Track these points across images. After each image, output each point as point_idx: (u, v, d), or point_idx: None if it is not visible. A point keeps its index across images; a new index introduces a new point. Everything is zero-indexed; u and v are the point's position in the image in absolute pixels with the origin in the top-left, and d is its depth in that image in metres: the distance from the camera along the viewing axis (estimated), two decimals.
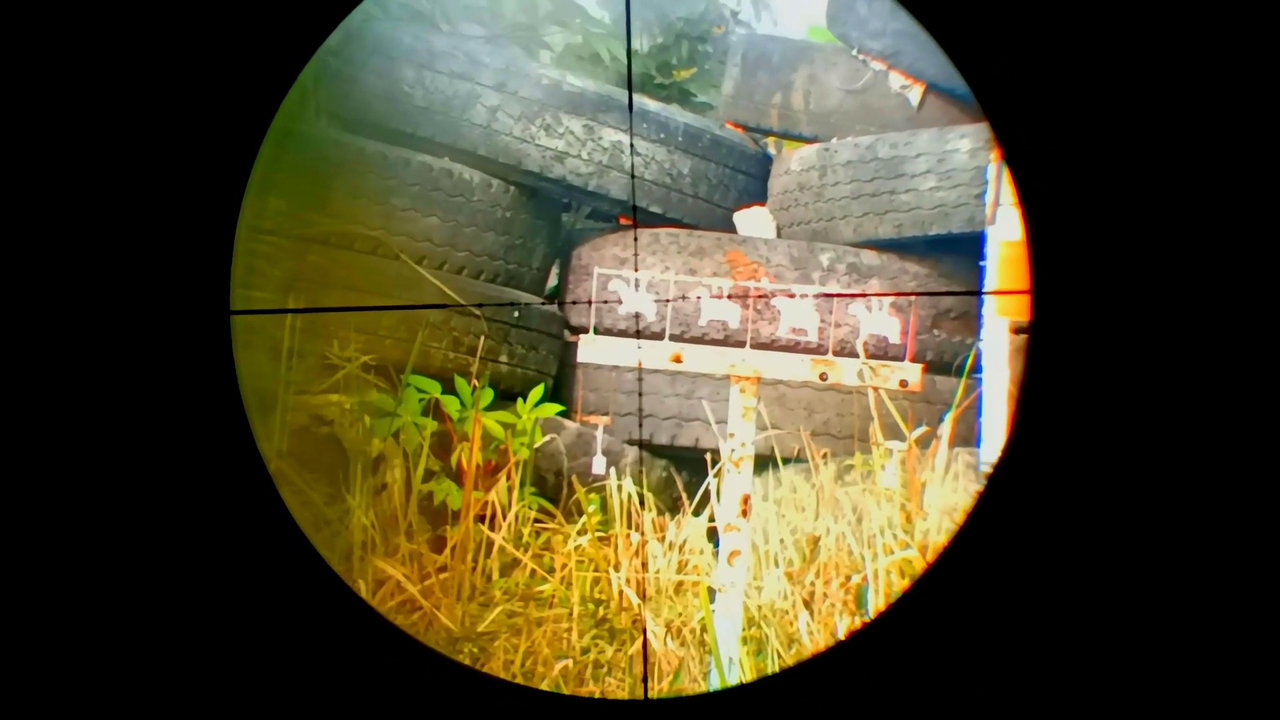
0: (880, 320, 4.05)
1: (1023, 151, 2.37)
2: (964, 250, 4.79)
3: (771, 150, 5.97)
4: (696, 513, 4.36)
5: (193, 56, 2.40)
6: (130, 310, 2.41)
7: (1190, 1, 2.29)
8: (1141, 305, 2.32)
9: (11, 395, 2.39)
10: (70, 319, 2.40)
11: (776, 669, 3.65)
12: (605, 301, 4.45)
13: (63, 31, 2.38)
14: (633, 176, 5.20)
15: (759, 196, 5.54)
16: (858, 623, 3.69)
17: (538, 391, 4.58)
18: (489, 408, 4.38)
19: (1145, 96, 2.31)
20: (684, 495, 4.51)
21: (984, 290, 4.20)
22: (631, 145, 5.21)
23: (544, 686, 3.53)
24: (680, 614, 3.90)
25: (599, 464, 4.03)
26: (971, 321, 4.91)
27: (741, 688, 3.18)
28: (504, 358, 4.80)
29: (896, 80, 5.51)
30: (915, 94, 5.47)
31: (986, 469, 3.75)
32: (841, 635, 3.66)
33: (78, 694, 2.43)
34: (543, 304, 5.13)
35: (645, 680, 3.60)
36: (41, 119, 2.38)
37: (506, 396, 4.61)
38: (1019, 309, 3.96)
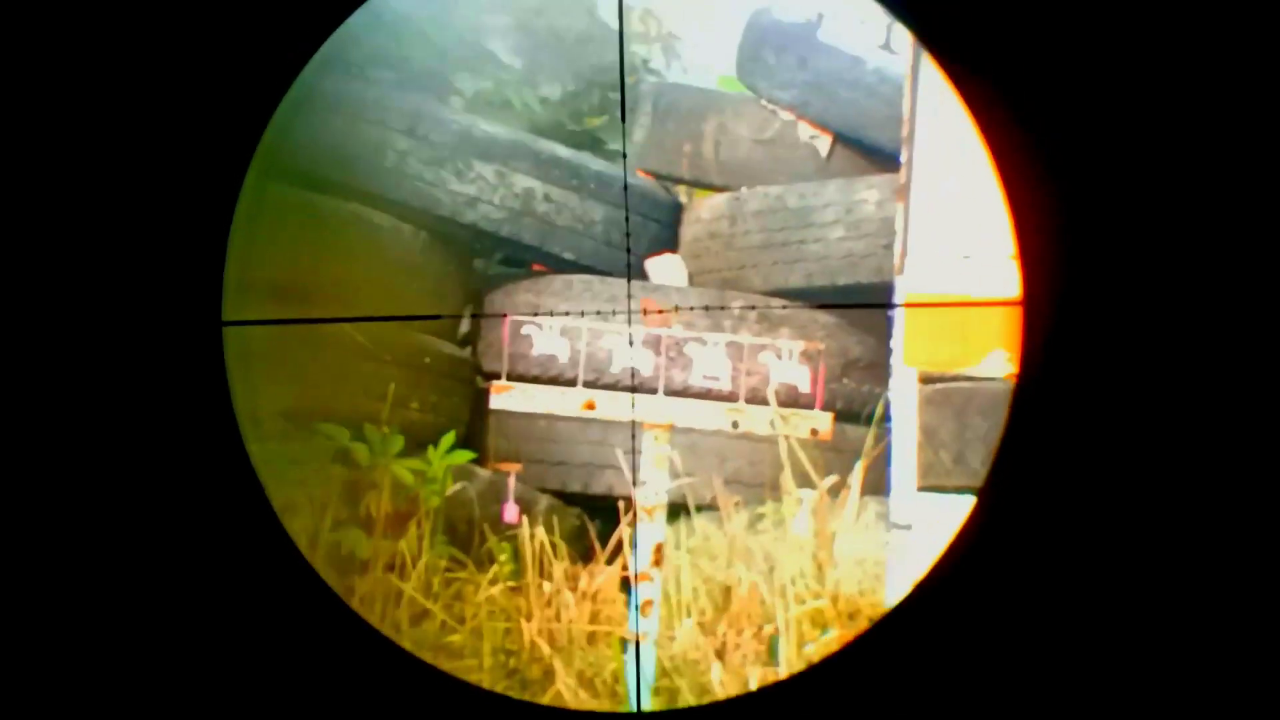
0: (790, 369, 4.09)
1: (1014, 159, 2.39)
2: (873, 300, 4.85)
3: (683, 198, 6.00)
4: (609, 561, 4.34)
5: (187, 60, 2.40)
6: (121, 321, 2.39)
7: (1184, 12, 2.32)
8: (1134, 314, 2.34)
9: (2, 407, 2.35)
10: (60, 329, 2.38)
11: None
12: (516, 348, 4.45)
13: (57, 38, 2.36)
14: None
15: (670, 244, 5.56)
16: (779, 672, 3.69)
17: (449, 438, 4.54)
18: (399, 455, 4.33)
19: (1145, 94, 2.33)
20: (597, 544, 4.49)
21: (893, 340, 4.24)
22: (544, 192, 5.22)
23: None
24: (592, 664, 3.87)
25: (511, 512, 4.01)
26: (881, 371, 4.96)
27: (737, 699, 3.15)
28: (414, 404, 4.75)
29: (805, 130, 5.57)
30: (824, 144, 5.53)
31: (902, 519, 3.78)
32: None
33: (67, 703, 2.39)
34: (453, 350, 5.10)
35: (638, 692, 3.57)
36: (31, 127, 2.37)
37: (417, 443, 4.57)
38: (928, 358, 4.01)
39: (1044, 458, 2.40)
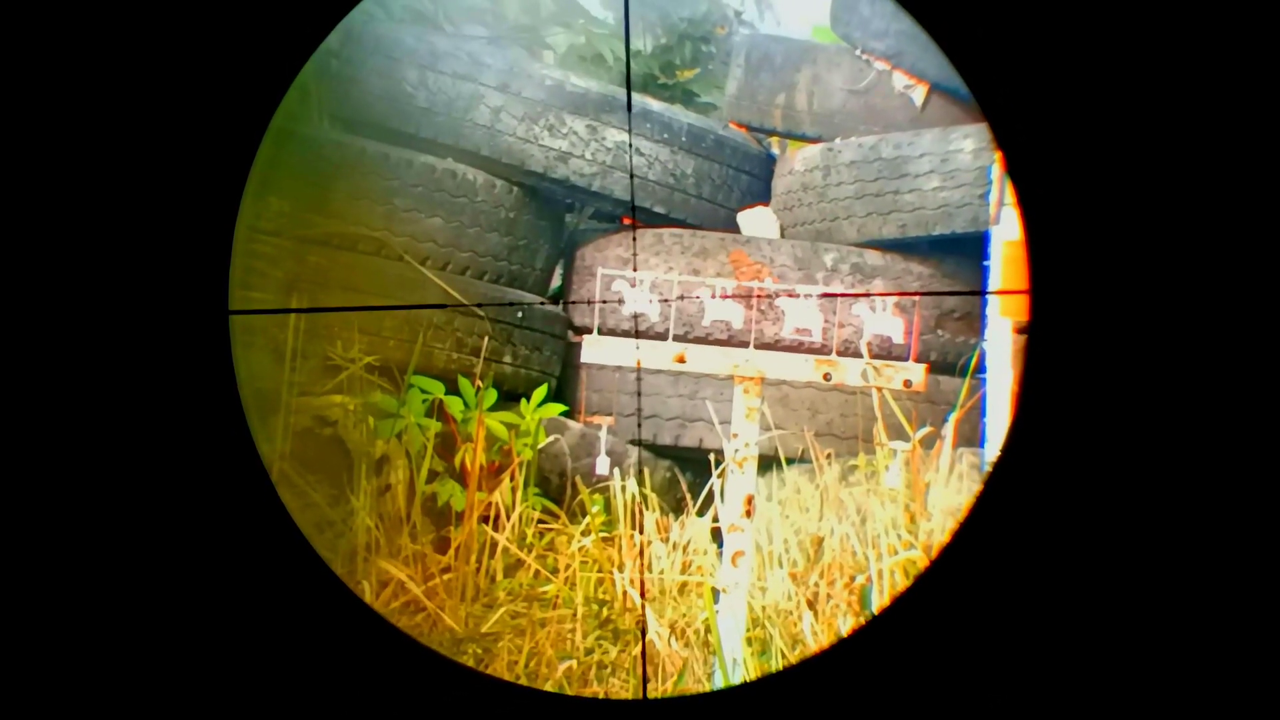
0: (884, 320, 4.04)
1: (1022, 152, 2.36)
2: (968, 250, 4.79)
3: (775, 150, 5.97)
4: (700, 513, 4.35)
5: (190, 56, 2.40)
6: (129, 310, 2.41)
7: (1188, 2, 2.29)
8: (1140, 304, 2.32)
9: (10, 397, 2.39)
10: (68, 319, 2.40)
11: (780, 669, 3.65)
12: (608, 302, 4.45)
13: (60, 32, 2.38)
14: (632, 177, 5.19)
15: (762, 197, 5.53)
16: (859, 622, 3.68)
17: (541, 392, 4.58)
18: (493, 408, 4.37)
19: (1143, 96, 2.30)
20: (688, 496, 4.50)
21: (987, 290, 4.20)
22: (630, 144, 5.21)
23: (548, 687, 3.52)
24: (684, 615, 3.89)
25: (603, 464, 4.03)
26: (975, 322, 4.91)
27: (740, 688, 3.17)
28: (507, 358, 4.79)
29: (900, 80, 5.50)
30: (919, 94, 5.46)
31: (987, 469, 3.74)
32: (843, 634, 3.65)
33: (79, 697, 2.43)
34: (546, 304, 5.12)
35: (644, 680, 3.59)
36: (39, 120, 2.38)
37: (510, 397, 4.61)
38: (1023, 309, 3.96)
39: (1058, 416, 2.38)
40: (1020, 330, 3.97)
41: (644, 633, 3.73)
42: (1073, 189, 2.33)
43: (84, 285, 2.40)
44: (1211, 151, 2.29)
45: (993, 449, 3.91)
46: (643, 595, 3.91)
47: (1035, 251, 2.37)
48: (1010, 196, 2.44)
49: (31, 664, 2.42)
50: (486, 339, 4.67)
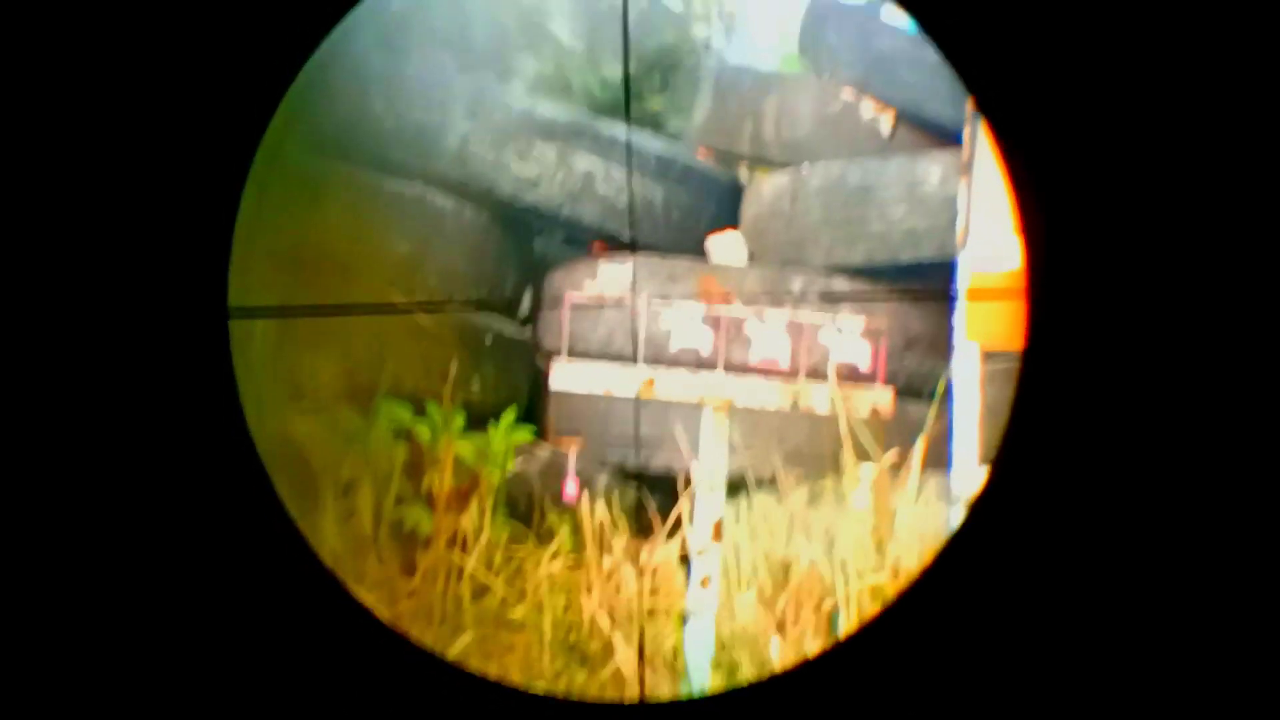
0: (851, 346, 4.06)
1: (1026, 170, 2.38)
2: (935, 277, 4.81)
3: (743, 177, 5.99)
4: (669, 537, 4.34)
5: (190, 55, 2.40)
6: (127, 311, 2.40)
7: (1191, 12, 2.31)
8: (1138, 320, 2.33)
9: (6, 397, 2.38)
10: (67, 320, 2.39)
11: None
12: (578, 327, 4.46)
13: (57, 30, 2.38)
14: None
15: (730, 223, 5.55)
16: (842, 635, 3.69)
17: (509, 415, 4.57)
18: (461, 432, 4.36)
19: (1146, 108, 2.32)
20: (656, 519, 4.50)
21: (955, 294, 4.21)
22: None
23: None
24: (652, 639, 3.88)
25: (571, 488, 4.02)
26: (942, 347, 4.93)
27: (737, 691, 3.16)
28: (476, 383, 4.79)
29: (867, 108, 5.54)
30: (886, 121, 5.50)
31: (964, 494, 3.76)
32: (840, 636, 3.66)
33: (70, 698, 2.42)
34: (517, 328, 5.13)
35: (641, 683, 3.58)
36: (35, 119, 2.38)
37: (478, 421, 4.60)
38: (990, 335, 3.99)
39: (1053, 428, 2.39)
40: (988, 357, 3.99)
41: (641, 634, 3.72)
42: (1075, 212, 2.35)
43: (82, 288, 2.39)
44: (1209, 165, 2.31)
45: (960, 473, 3.92)
46: (611, 619, 3.90)
47: (1034, 266, 2.38)
48: (1012, 224, 2.45)
49: (28, 666, 2.41)
50: (455, 363, 4.66)
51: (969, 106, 4.14)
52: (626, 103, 5.69)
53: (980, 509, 2.49)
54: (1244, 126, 2.29)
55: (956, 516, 3.74)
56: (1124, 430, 2.34)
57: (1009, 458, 2.45)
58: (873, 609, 3.71)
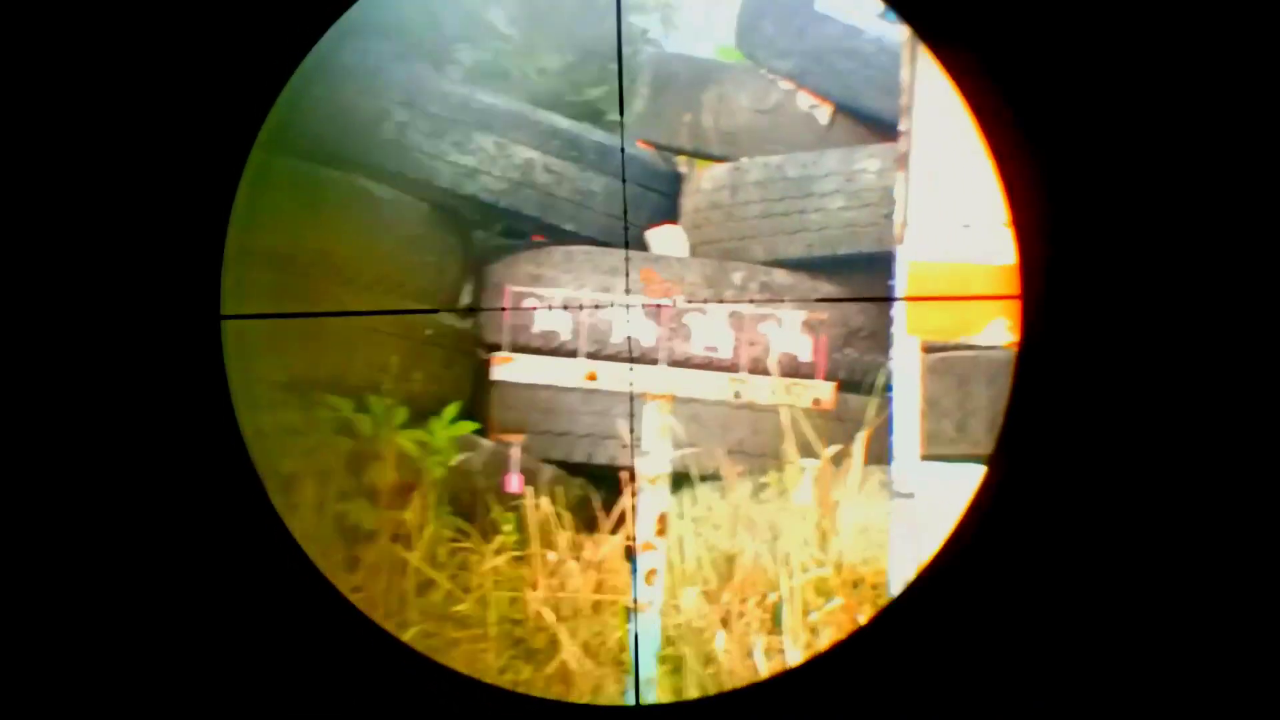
0: (792, 339, 4.09)
1: (1019, 160, 2.40)
2: (874, 269, 4.85)
3: (683, 169, 5.99)
4: (613, 531, 4.35)
5: (182, 59, 2.39)
6: (120, 315, 2.39)
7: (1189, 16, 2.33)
8: (1130, 316, 2.35)
9: (2, 400, 2.36)
10: (60, 324, 2.38)
11: (694, 688, 3.66)
12: (519, 320, 4.45)
13: (54, 36, 2.36)
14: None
15: (671, 215, 5.55)
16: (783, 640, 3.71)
17: (452, 409, 4.55)
18: (403, 426, 4.34)
19: (1145, 108, 2.34)
20: (601, 514, 4.50)
21: (894, 298, 4.24)
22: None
23: None
24: (598, 633, 3.89)
25: (514, 482, 4.02)
26: (883, 340, 4.96)
27: (734, 693, 3.17)
28: (418, 375, 4.75)
29: (805, 100, 5.55)
30: (824, 114, 5.52)
31: (905, 488, 3.80)
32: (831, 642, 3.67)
33: (65, 702, 2.41)
34: (458, 319, 5.10)
35: (636, 685, 3.59)
36: (31, 122, 2.36)
37: (421, 415, 4.57)
38: (930, 327, 4.02)
39: (1048, 425, 2.41)
40: (927, 349, 4.03)
41: (637, 639, 3.73)
42: (1054, 165, 2.37)
43: (76, 291, 2.38)
44: (1203, 128, 2.33)
45: (902, 466, 3.96)
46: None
47: (1021, 230, 2.40)
48: (1002, 216, 2.46)
49: (20, 663, 2.40)
50: (395, 356, 4.63)
51: (903, 99, 4.16)
52: (620, 106, 5.68)
53: (978, 509, 2.50)
54: (1246, 126, 2.31)
55: (899, 510, 3.77)
56: (1120, 427, 2.36)
57: (1005, 456, 2.47)
58: (817, 603, 3.74)
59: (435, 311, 4.80)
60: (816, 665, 2.76)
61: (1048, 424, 2.39)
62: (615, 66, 6.60)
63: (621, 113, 5.76)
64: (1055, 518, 2.39)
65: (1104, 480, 2.37)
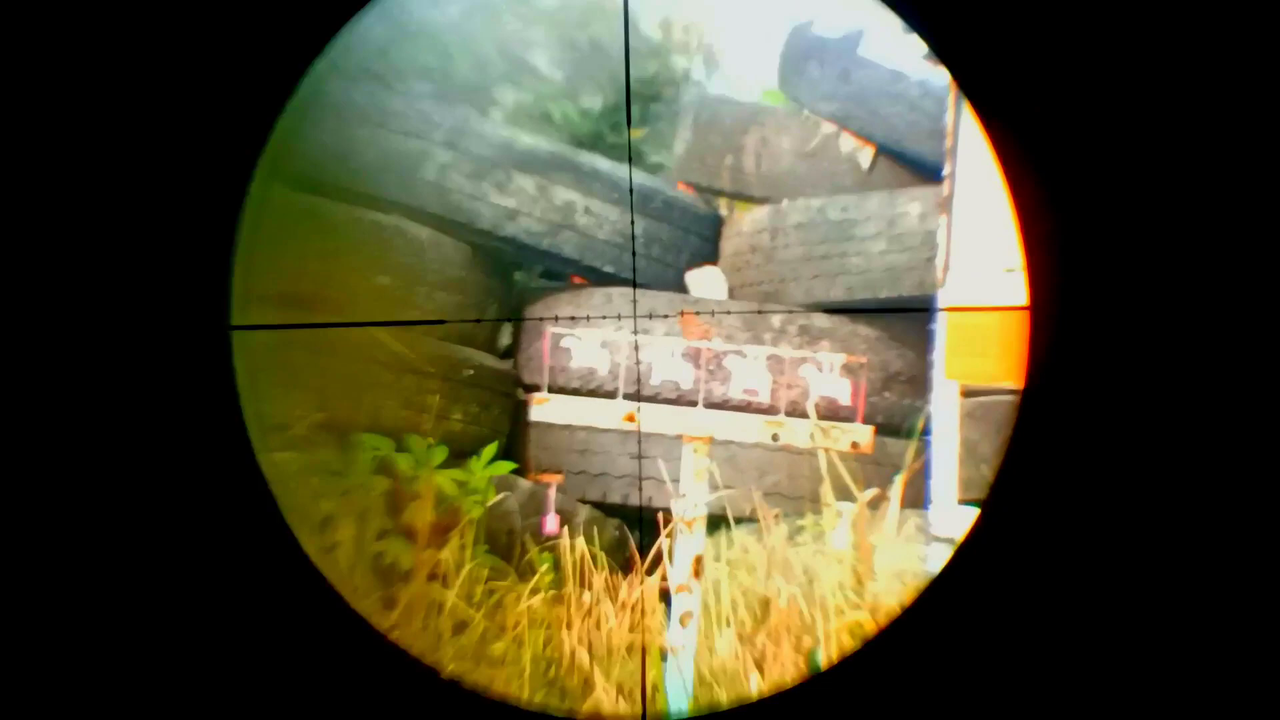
0: (831, 382, 4.08)
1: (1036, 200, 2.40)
2: (915, 314, 4.84)
3: (723, 211, 6.01)
4: (649, 573, 4.34)
5: (193, 66, 2.43)
6: (131, 325, 2.42)
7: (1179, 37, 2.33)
8: (1133, 333, 2.35)
9: (10, 410, 2.40)
10: (71, 335, 2.41)
11: None
12: (558, 361, 4.46)
13: (60, 40, 2.39)
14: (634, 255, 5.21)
15: (710, 257, 5.57)
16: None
17: (490, 449, 4.57)
18: (442, 465, 4.36)
19: (1140, 120, 2.34)
20: (636, 555, 4.50)
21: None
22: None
23: None
24: (632, 674, 3.88)
25: (551, 523, 4.02)
26: (921, 384, 4.95)
27: (742, 708, 3.15)
28: (457, 416, 4.78)
29: (848, 142, 5.57)
30: (866, 156, 5.52)
31: (943, 532, 3.78)
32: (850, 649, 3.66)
33: (70, 701, 2.42)
34: (497, 360, 5.11)
35: (644, 699, 3.58)
36: (38, 130, 2.40)
37: (459, 454, 4.59)
38: (969, 372, 4.01)
39: (1050, 463, 2.41)
40: (966, 394, 4.01)
41: (644, 650, 3.71)
42: (1067, 205, 2.37)
43: (86, 301, 2.41)
44: (1209, 163, 2.33)
45: (939, 511, 3.94)
46: (590, 654, 3.89)
47: (1033, 270, 2.40)
48: (1016, 262, 2.46)
49: (29, 670, 2.42)
50: (436, 396, 4.66)
51: (947, 143, 4.17)
52: (628, 116, 5.69)
53: (976, 545, 2.49)
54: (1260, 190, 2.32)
55: (935, 554, 3.76)
56: (1128, 461, 2.36)
57: (1005, 493, 2.47)
58: (852, 646, 3.71)
59: (442, 323, 4.81)
60: (818, 684, 2.76)
61: (1048, 463, 2.39)
62: (658, 107, 6.65)
63: (629, 122, 5.77)
64: (1050, 555, 2.38)
65: (1101, 517, 2.36)
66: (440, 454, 4.36)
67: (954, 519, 3.81)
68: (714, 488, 4.11)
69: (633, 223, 5.35)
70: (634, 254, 5.33)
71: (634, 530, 4.79)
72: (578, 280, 5.42)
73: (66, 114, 2.41)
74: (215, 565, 2.47)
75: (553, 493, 4.20)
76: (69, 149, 2.41)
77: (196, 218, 2.44)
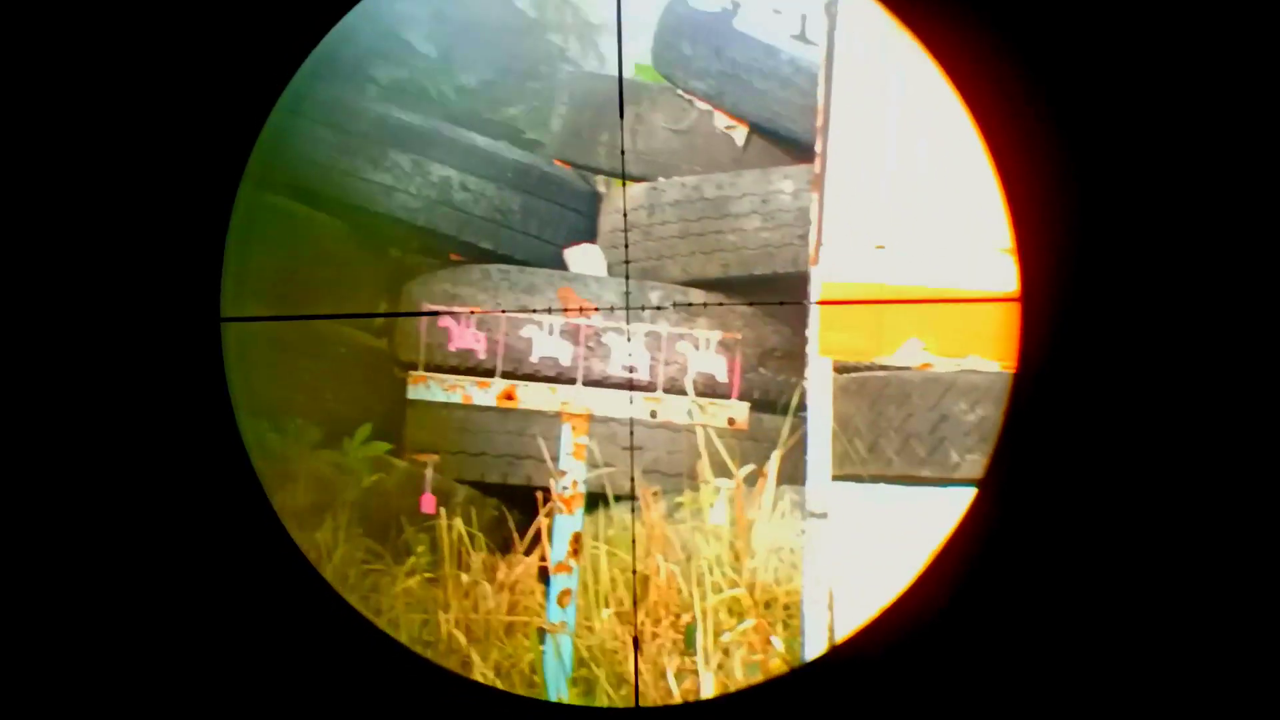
0: (708, 358, 4.10)
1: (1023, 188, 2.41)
2: (789, 290, 4.87)
3: (601, 188, 6.00)
4: (527, 552, 4.33)
5: (184, 60, 2.40)
6: (120, 317, 2.39)
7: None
8: (1127, 319, 2.37)
9: (3, 403, 2.36)
10: (60, 328, 2.38)
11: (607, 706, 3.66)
12: (435, 339, 4.43)
13: (55, 37, 2.36)
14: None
15: (589, 234, 5.55)
16: (696, 661, 3.70)
17: (365, 430, 4.51)
18: (315, 446, 4.30)
19: (1140, 104, 2.36)
20: (515, 535, 4.48)
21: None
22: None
23: None
24: (510, 655, 3.87)
25: (428, 503, 3.99)
26: (797, 360, 4.98)
27: (731, 695, 3.16)
28: (330, 395, 4.71)
29: (721, 120, 5.58)
30: (740, 134, 5.54)
31: (819, 508, 3.81)
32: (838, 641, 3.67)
33: (64, 699, 2.40)
34: (372, 338, 5.06)
35: (636, 688, 3.57)
36: (31, 125, 2.36)
37: (333, 435, 4.53)
38: (843, 348, 4.04)
39: (1042, 451, 2.43)
40: (840, 369, 4.05)
41: (637, 642, 3.70)
42: (1061, 191, 2.39)
43: (77, 293, 2.38)
44: (1211, 148, 2.35)
45: (815, 487, 3.97)
46: (468, 636, 3.88)
47: (1024, 256, 2.42)
48: (1004, 244, 2.47)
49: (22, 669, 2.39)
50: (307, 375, 4.59)
51: (819, 120, 4.19)
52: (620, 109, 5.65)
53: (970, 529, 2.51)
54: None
55: (812, 530, 3.79)
56: (1124, 456, 2.38)
57: (1001, 476, 2.49)
58: (730, 623, 3.75)
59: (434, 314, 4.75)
60: (810, 670, 2.78)
61: (1040, 451, 2.42)
62: (534, 84, 6.62)
63: (621, 114, 5.73)
64: (1043, 543, 2.41)
65: (1094, 505, 2.39)
66: (313, 434, 4.30)
67: (829, 494, 3.84)
68: (593, 465, 4.11)
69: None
70: (511, 229, 5.29)
71: (512, 510, 4.77)
72: (455, 257, 5.36)
73: (49, 102, 2.37)
74: (205, 562, 2.44)
75: (429, 472, 4.16)
76: (60, 141, 2.38)
77: (187, 208, 2.41)
